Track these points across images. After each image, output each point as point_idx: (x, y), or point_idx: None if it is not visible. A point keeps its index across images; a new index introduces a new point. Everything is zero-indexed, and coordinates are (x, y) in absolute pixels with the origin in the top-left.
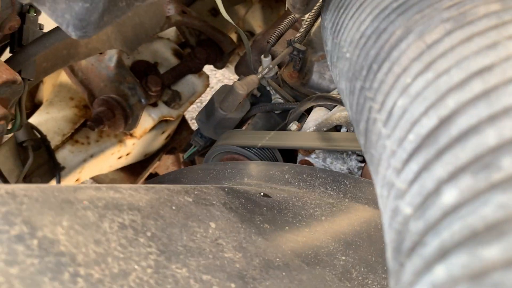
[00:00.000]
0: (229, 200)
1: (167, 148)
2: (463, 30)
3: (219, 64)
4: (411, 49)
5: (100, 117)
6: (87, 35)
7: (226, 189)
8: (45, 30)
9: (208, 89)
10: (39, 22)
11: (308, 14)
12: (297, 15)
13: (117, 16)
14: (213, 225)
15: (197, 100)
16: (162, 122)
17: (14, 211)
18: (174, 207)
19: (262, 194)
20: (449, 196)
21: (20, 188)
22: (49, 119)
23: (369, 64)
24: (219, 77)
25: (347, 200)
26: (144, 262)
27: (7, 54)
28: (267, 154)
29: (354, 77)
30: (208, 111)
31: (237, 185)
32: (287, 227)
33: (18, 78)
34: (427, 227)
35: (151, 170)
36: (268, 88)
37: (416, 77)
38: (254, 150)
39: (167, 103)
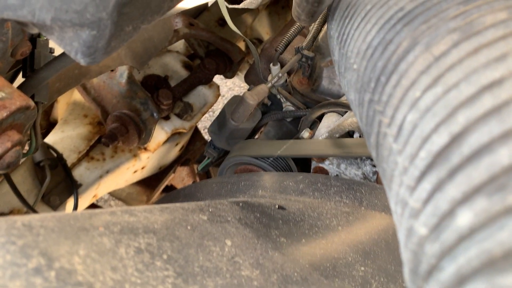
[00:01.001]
0: (244, 215)
1: (181, 159)
2: (470, 41)
3: (229, 73)
4: (419, 62)
5: (114, 133)
6: (95, 61)
7: (240, 204)
8: (56, 53)
9: (219, 97)
10: (50, 45)
11: None
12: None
13: (124, 40)
14: (229, 242)
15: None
16: (175, 134)
17: (31, 244)
18: (189, 227)
19: (277, 206)
20: (464, 218)
21: (36, 219)
22: (64, 138)
23: (377, 76)
24: (230, 85)
25: (363, 208)
26: (162, 286)
27: (19, 79)
28: (280, 163)
29: (363, 89)
30: (220, 123)
31: (251, 198)
32: (303, 240)
33: (32, 103)
34: (443, 250)
35: (166, 182)
36: (278, 96)
37: (425, 91)
38: (267, 160)
39: (179, 115)
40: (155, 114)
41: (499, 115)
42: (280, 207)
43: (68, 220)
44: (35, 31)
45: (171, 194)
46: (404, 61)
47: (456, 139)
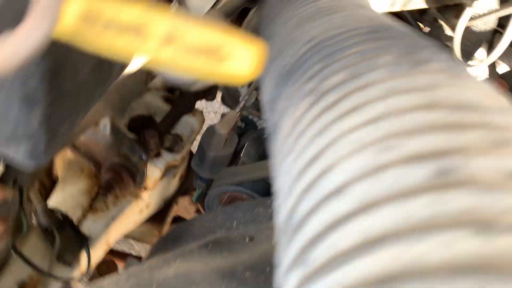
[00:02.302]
0: (211, 258)
1: (182, 190)
2: (318, 105)
3: (209, 97)
4: (287, 125)
5: (110, 183)
6: (43, 162)
7: (210, 246)
8: None
9: (212, 114)
10: None
11: None
12: None
13: (66, 135)
14: None
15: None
16: (170, 168)
17: None
18: (155, 285)
19: (247, 238)
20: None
21: None
22: (66, 197)
23: (272, 131)
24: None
25: None
26: None
27: None
28: (260, 185)
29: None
30: (200, 156)
31: (227, 231)
32: (268, 269)
33: (8, 196)
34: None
35: (172, 215)
36: (250, 116)
37: (285, 157)
38: (246, 185)
39: (171, 149)
40: (143, 156)
41: (319, 185)
42: (250, 238)
43: None
44: None
45: (160, 242)
46: (280, 123)
47: (292, 212)
